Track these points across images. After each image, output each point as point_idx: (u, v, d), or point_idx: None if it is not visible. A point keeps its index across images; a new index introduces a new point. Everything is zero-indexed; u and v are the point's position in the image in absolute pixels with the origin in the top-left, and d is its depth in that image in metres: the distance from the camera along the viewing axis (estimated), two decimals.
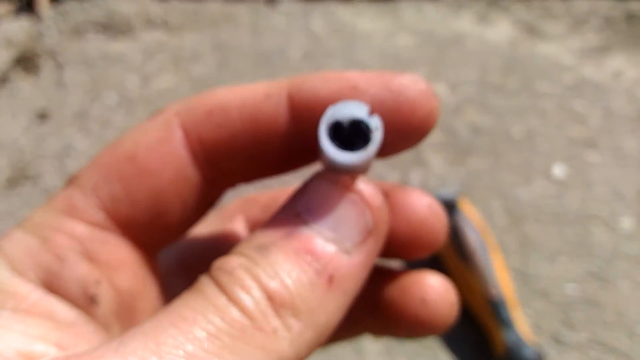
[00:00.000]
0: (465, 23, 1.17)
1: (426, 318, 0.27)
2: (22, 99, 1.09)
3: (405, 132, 0.23)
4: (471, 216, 0.80)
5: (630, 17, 1.14)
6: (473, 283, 0.75)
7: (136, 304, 0.25)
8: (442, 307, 0.27)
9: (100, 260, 0.24)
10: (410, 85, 0.23)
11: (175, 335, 0.18)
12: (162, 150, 0.24)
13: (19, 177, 0.97)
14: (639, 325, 0.75)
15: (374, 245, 0.22)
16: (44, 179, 0.97)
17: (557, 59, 1.08)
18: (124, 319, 0.25)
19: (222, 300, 0.19)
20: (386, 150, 0.24)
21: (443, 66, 1.08)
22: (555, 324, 0.76)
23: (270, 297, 0.19)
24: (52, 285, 0.23)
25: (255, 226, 0.32)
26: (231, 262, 0.20)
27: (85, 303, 0.23)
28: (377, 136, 0.20)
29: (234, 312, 0.19)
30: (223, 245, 0.30)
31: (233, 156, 0.24)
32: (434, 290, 0.27)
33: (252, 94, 0.24)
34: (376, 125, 0.21)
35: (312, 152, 0.24)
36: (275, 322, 0.19)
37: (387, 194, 0.25)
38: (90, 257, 0.24)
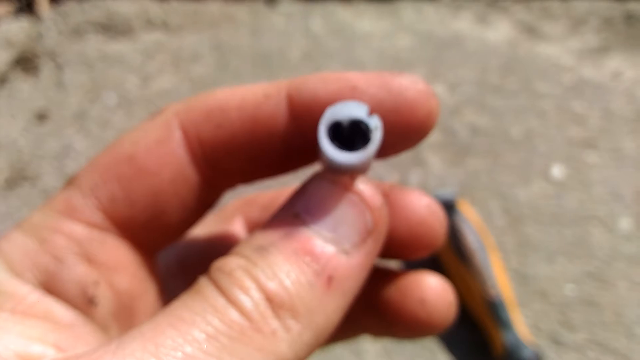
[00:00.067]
0: (464, 23, 1.17)
1: (425, 318, 0.27)
2: (22, 100, 1.09)
3: (404, 132, 0.23)
4: (470, 217, 0.80)
5: (629, 18, 1.14)
6: (472, 284, 0.75)
7: (135, 305, 0.25)
8: (440, 307, 0.27)
9: (98, 262, 0.24)
10: (410, 85, 0.23)
11: (174, 336, 0.18)
12: (161, 150, 0.24)
13: (18, 178, 0.97)
14: (637, 325, 0.75)
15: (374, 245, 0.22)
16: (43, 180, 0.97)
17: (556, 60, 1.08)
18: (123, 320, 0.25)
19: (221, 301, 0.19)
20: (386, 150, 0.24)
21: (442, 66, 1.08)
22: (553, 324, 0.76)
23: (269, 299, 0.19)
24: (50, 287, 0.23)
25: (254, 227, 0.32)
26: (230, 263, 0.20)
27: (84, 304, 0.23)
28: (376, 136, 0.20)
29: (233, 314, 0.19)
30: (222, 246, 0.30)
31: (232, 157, 0.24)
32: (433, 290, 0.28)
33: (251, 94, 0.24)
34: (376, 125, 0.21)
35: (312, 153, 0.25)
36: (274, 323, 0.19)
37: (386, 194, 0.25)
38: (88, 258, 0.24)
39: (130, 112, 1.05)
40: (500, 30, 1.15)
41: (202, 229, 0.32)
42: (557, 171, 0.91)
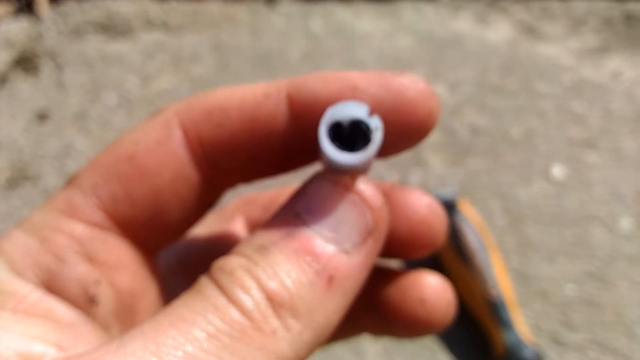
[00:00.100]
0: (464, 24, 1.17)
1: (424, 317, 0.27)
2: (22, 100, 1.09)
3: (405, 132, 0.23)
4: (470, 217, 0.80)
5: (629, 18, 1.14)
6: (472, 283, 0.75)
7: (136, 304, 0.25)
8: (439, 306, 0.27)
9: (99, 261, 0.24)
10: (410, 85, 0.23)
11: (175, 336, 0.18)
12: (161, 150, 0.24)
13: (19, 178, 0.97)
14: (637, 325, 0.75)
15: (374, 245, 0.22)
16: (43, 180, 0.97)
17: (556, 60, 1.08)
18: (124, 319, 0.25)
19: (221, 300, 0.19)
20: (386, 150, 0.24)
21: (442, 67, 1.08)
22: (554, 324, 0.76)
23: (270, 298, 0.19)
24: (51, 286, 0.23)
25: (255, 226, 0.32)
26: (231, 263, 0.20)
27: (85, 303, 0.23)
28: (377, 136, 0.20)
29: (234, 313, 0.19)
30: (223, 245, 0.30)
31: (232, 156, 0.24)
32: (432, 289, 0.28)
33: (251, 94, 0.24)
34: (376, 125, 0.21)
35: (312, 152, 0.24)
36: (274, 322, 0.19)
37: (386, 194, 0.25)
38: (89, 257, 0.24)
39: (131, 112, 1.05)
40: (500, 31, 1.15)
41: (203, 228, 0.32)
42: (558, 171, 0.91)
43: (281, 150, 0.24)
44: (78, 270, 0.23)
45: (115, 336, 0.24)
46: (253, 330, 0.19)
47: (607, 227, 0.85)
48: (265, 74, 1.09)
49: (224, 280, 0.20)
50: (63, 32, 1.21)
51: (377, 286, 0.28)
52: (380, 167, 0.92)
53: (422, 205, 0.26)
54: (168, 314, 0.19)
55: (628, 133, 0.96)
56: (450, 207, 0.80)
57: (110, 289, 0.24)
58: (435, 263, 0.81)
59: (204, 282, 0.20)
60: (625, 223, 0.85)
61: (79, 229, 0.24)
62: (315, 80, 0.23)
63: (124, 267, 0.25)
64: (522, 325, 0.73)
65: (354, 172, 0.22)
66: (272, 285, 0.19)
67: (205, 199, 0.26)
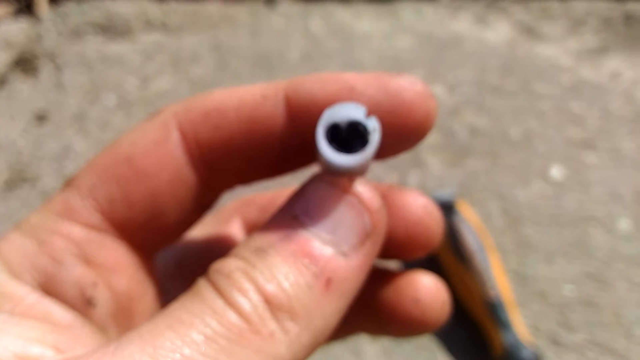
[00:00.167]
0: (463, 24, 1.17)
1: (419, 317, 0.27)
2: (21, 101, 1.09)
3: (403, 133, 0.23)
4: (469, 217, 0.80)
5: (628, 18, 1.15)
6: (471, 284, 0.75)
7: (133, 307, 0.25)
8: (434, 306, 0.27)
9: (97, 263, 0.24)
10: (408, 86, 0.23)
11: (173, 338, 0.18)
12: (159, 152, 0.24)
13: (17, 179, 0.97)
14: (636, 326, 0.75)
15: (372, 247, 0.22)
16: (42, 181, 0.97)
17: (555, 60, 1.08)
18: (121, 322, 0.25)
19: (219, 303, 0.19)
20: (384, 152, 0.24)
21: (441, 67, 1.08)
22: (552, 325, 0.76)
23: (268, 300, 0.19)
24: (49, 288, 0.23)
25: (252, 228, 0.32)
26: (229, 265, 0.20)
27: (82, 305, 0.23)
28: (374, 138, 0.20)
29: (232, 316, 0.19)
30: (220, 247, 0.30)
31: (230, 158, 0.24)
32: (427, 289, 0.28)
33: (249, 95, 0.24)
34: (374, 127, 0.20)
35: (310, 154, 0.24)
36: (272, 325, 0.19)
37: (383, 195, 0.25)
38: (87, 259, 0.24)
39: (130, 113, 1.05)
40: (499, 31, 1.15)
41: (200, 230, 0.32)
42: (556, 172, 0.91)
43: (279, 152, 0.24)
44: (75, 273, 0.23)
45: (112, 338, 0.24)
46: (251, 333, 0.19)
47: (606, 228, 0.85)
48: (265, 74, 1.09)
49: (222, 282, 0.20)
50: (62, 33, 1.21)
51: (372, 286, 0.28)
52: (379, 168, 0.92)
53: (418, 206, 0.26)
54: (166, 317, 0.19)
55: (627, 133, 0.96)
56: (448, 208, 0.80)
57: (107, 291, 0.24)
58: (433, 264, 0.81)
59: (202, 284, 0.20)
60: (624, 224, 0.85)
61: (76, 231, 0.24)
62: (313, 82, 0.23)
63: (121, 269, 0.25)
64: (521, 325, 0.73)
65: (351, 174, 0.22)
66: (270, 287, 0.19)
67: (203, 200, 0.26)
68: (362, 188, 0.22)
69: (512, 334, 0.71)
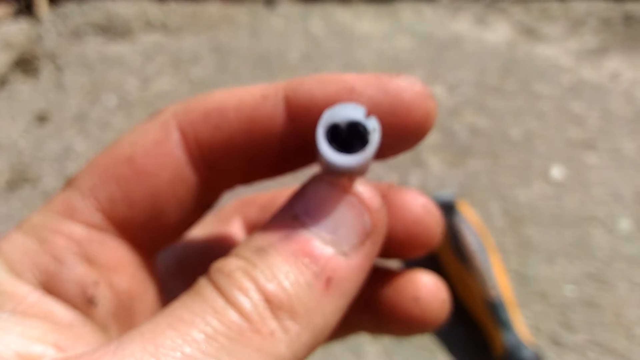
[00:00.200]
0: (463, 25, 1.17)
1: (418, 315, 0.28)
2: (22, 102, 1.09)
3: (402, 134, 0.23)
4: (470, 218, 0.80)
5: (627, 19, 1.15)
6: (472, 285, 0.75)
7: (134, 306, 0.25)
8: (434, 305, 0.28)
9: (98, 262, 0.24)
10: (407, 87, 0.23)
11: (173, 337, 0.18)
12: (159, 152, 0.24)
13: (19, 180, 0.97)
14: (637, 326, 0.75)
15: (372, 247, 0.22)
16: (43, 182, 0.97)
17: (555, 61, 1.08)
18: (122, 320, 0.25)
19: (220, 302, 0.19)
20: (384, 152, 0.24)
21: (441, 68, 1.08)
22: (553, 325, 0.76)
23: (268, 300, 0.19)
24: (50, 287, 0.23)
25: (253, 228, 0.32)
26: (229, 265, 0.20)
27: (84, 304, 0.23)
28: (374, 138, 0.20)
29: (232, 315, 0.19)
30: (221, 247, 0.30)
31: (230, 158, 0.24)
32: (426, 288, 0.28)
33: (249, 95, 0.24)
34: (373, 127, 0.21)
35: (310, 154, 0.25)
36: (272, 324, 0.19)
37: (383, 195, 0.25)
38: (88, 258, 0.24)
39: (130, 113, 1.05)
40: (499, 32, 1.15)
41: (201, 230, 0.32)
42: (557, 172, 0.91)
43: (279, 152, 0.24)
44: (76, 272, 0.23)
45: (113, 337, 0.24)
46: (251, 332, 0.19)
47: (607, 228, 0.85)
48: (265, 75, 1.09)
49: (223, 282, 0.20)
50: (63, 34, 1.21)
51: (372, 285, 0.28)
52: (380, 168, 0.92)
53: (417, 205, 0.27)
54: (167, 316, 0.19)
55: (627, 134, 0.96)
56: (449, 208, 0.80)
57: (108, 290, 0.24)
58: (434, 264, 0.81)
59: (203, 283, 0.20)
60: (625, 224, 0.85)
61: (78, 230, 0.24)
62: (313, 82, 0.23)
63: (122, 268, 0.25)
64: (522, 326, 0.73)
65: (351, 174, 0.22)
66: (270, 287, 0.19)
67: (203, 200, 0.26)
68: (362, 188, 0.22)
69: (513, 334, 0.71)
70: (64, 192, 0.24)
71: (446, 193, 0.84)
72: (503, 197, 0.89)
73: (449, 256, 0.79)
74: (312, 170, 0.24)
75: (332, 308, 0.21)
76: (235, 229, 0.32)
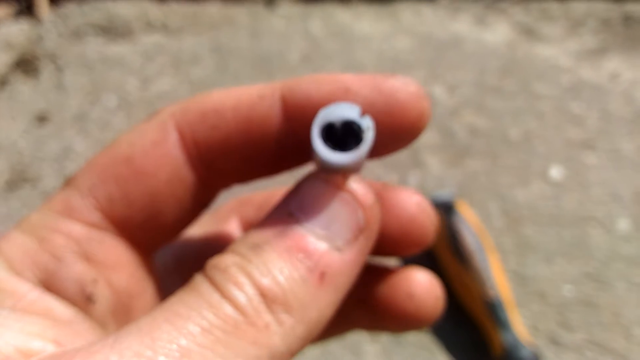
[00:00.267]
0: (463, 25, 1.17)
1: (413, 312, 0.28)
2: (22, 102, 1.10)
3: (396, 133, 0.23)
4: (468, 218, 0.80)
5: (627, 19, 1.15)
6: (470, 284, 0.75)
7: (132, 303, 0.25)
8: (428, 301, 0.28)
9: (97, 260, 0.24)
10: (402, 87, 0.23)
11: (170, 330, 0.18)
12: (157, 151, 0.24)
13: (19, 180, 0.98)
14: (635, 326, 0.75)
15: (366, 242, 0.23)
16: (43, 182, 0.97)
17: (554, 61, 1.09)
18: (121, 318, 0.25)
19: (215, 297, 0.19)
20: (378, 151, 0.24)
21: (441, 68, 1.09)
22: (552, 325, 0.76)
23: (263, 294, 0.20)
24: (49, 284, 0.23)
25: (250, 226, 0.32)
26: (225, 261, 0.21)
27: (83, 301, 0.24)
28: (368, 136, 0.21)
29: (227, 308, 0.19)
30: (218, 245, 0.31)
31: (227, 157, 0.25)
32: (421, 285, 0.28)
33: (246, 95, 0.24)
34: (368, 125, 0.21)
35: (306, 153, 0.25)
36: (267, 317, 0.19)
37: (377, 193, 0.26)
38: (87, 256, 0.24)
39: (130, 114, 1.05)
40: (498, 32, 1.15)
41: (199, 229, 0.32)
42: (556, 172, 0.92)
43: (275, 151, 0.25)
44: (75, 269, 0.24)
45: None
46: (246, 325, 0.19)
47: (605, 228, 0.85)
48: (265, 75, 1.09)
49: (218, 277, 0.20)
50: (63, 34, 1.22)
51: (368, 282, 0.29)
52: (379, 168, 0.92)
53: (411, 204, 0.27)
54: (163, 310, 0.19)
55: (626, 134, 0.96)
56: (448, 208, 0.80)
57: (107, 288, 0.24)
58: (433, 264, 0.81)
59: (199, 279, 0.20)
60: (623, 224, 0.85)
61: (77, 229, 0.24)
62: (309, 82, 0.24)
63: (121, 266, 0.25)
64: (520, 325, 0.73)
65: (346, 172, 0.22)
66: (265, 281, 0.20)
67: (201, 199, 0.26)
68: (355, 185, 0.22)
69: (512, 334, 0.71)
70: (63, 191, 0.25)
71: (445, 193, 0.84)
72: (502, 197, 0.89)
73: (448, 256, 0.79)
74: (308, 169, 0.24)
75: (326, 302, 0.21)
76: (233, 228, 0.32)
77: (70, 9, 1.26)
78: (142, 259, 0.26)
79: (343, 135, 0.21)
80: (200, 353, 0.18)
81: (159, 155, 0.24)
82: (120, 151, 0.24)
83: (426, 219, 0.27)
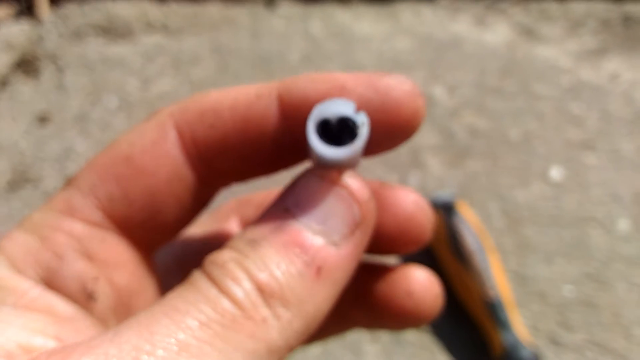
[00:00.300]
0: (463, 26, 1.18)
1: (412, 309, 0.28)
2: (23, 102, 1.10)
3: (391, 130, 0.24)
4: (469, 218, 0.80)
5: (627, 20, 1.15)
6: (471, 285, 0.75)
7: (133, 301, 0.26)
8: (427, 298, 0.28)
9: (98, 258, 0.24)
10: (396, 85, 0.23)
11: (168, 324, 0.18)
12: (156, 151, 0.24)
13: (20, 180, 0.98)
14: (635, 326, 0.76)
15: (362, 237, 0.23)
16: (44, 182, 0.97)
17: (554, 62, 1.09)
18: (122, 316, 0.25)
19: (213, 291, 0.20)
20: (374, 148, 0.24)
21: (441, 69, 1.09)
22: (552, 325, 0.76)
23: (260, 288, 0.20)
24: (51, 282, 0.24)
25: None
26: (222, 256, 0.21)
27: (84, 299, 0.24)
28: (363, 132, 0.21)
29: (225, 303, 0.19)
30: (218, 244, 0.31)
31: (226, 156, 0.25)
32: (420, 283, 0.29)
33: (243, 94, 0.25)
34: (362, 121, 0.21)
35: (303, 151, 0.25)
36: (264, 311, 0.20)
37: (375, 192, 0.26)
38: (88, 255, 0.24)
39: (131, 114, 1.05)
40: (498, 33, 1.16)
41: (199, 229, 0.32)
42: (556, 173, 0.92)
43: (273, 150, 0.25)
44: (77, 267, 0.24)
45: None
46: (244, 319, 0.19)
47: (605, 229, 0.85)
48: (265, 76, 1.09)
49: (216, 272, 0.20)
50: (63, 35, 1.22)
51: (367, 281, 0.29)
52: (379, 169, 0.93)
53: (409, 202, 0.27)
54: (162, 305, 0.19)
55: (626, 134, 0.96)
56: (448, 208, 0.80)
57: (108, 286, 0.25)
58: (433, 264, 0.81)
59: (197, 275, 0.21)
60: (623, 224, 0.85)
61: (78, 227, 0.24)
62: (305, 81, 0.24)
63: (121, 264, 0.25)
64: (520, 325, 0.73)
65: (341, 167, 0.22)
66: (262, 276, 0.20)
67: (200, 198, 0.26)
68: (350, 180, 0.22)
69: (512, 334, 0.71)
70: (64, 191, 0.25)
71: (445, 193, 0.84)
72: (502, 197, 0.89)
73: (448, 256, 0.79)
74: (306, 167, 0.24)
75: (323, 296, 0.21)
76: (232, 228, 0.32)
77: (70, 10, 1.26)
78: (143, 257, 0.26)
79: (338, 132, 0.21)
80: (198, 347, 0.18)
81: (158, 154, 0.24)
82: (120, 151, 0.25)
83: (423, 217, 0.27)
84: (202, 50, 1.16)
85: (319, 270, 0.21)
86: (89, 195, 0.24)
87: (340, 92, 0.23)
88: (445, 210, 0.80)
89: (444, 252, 0.80)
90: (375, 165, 0.92)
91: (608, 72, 1.06)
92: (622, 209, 0.87)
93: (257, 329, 0.19)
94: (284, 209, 0.22)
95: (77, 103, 1.08)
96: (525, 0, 1.21)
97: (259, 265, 0.20)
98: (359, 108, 0.23)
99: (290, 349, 0.21)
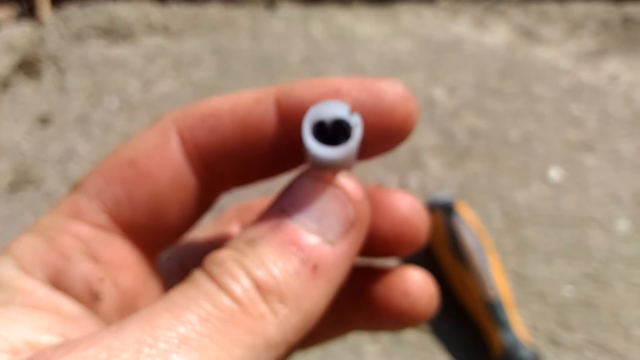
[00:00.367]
0: (462, 27, 1.18)
1: (408, 309, 0.29)
2: (24, 104, 1.10)
3: (385, 132, 0.24)
4: (468, 219, 0.81)
5: (626, 21, 1.15)
6: (470, 285, 0.76)
7: (137, 302, 0.26)
8: (423, 299, 0.29)
9: (103, 260, 0.25)
10: (389, 89, 0.24)
11: (170, 319, 0.19)
12: (160, 155, 0.25)
13: (21, 182, 0.98)
14: (634, 326, 0.76)
15: (357, 236, 0.24)
16: (46, 184, 0.98)
17: (554, 63, 1.09)
18: (126, 316, 0.26)
19: (212, 288, 0.20)
20: (369, 151, 0.25)
21: (441, 70, 1.09)
22: (551, 325, 0.77)
23: (258, 285, 0.21)
24: (58, 283, 0.24)
25: None
26: (222, 255, 0.22)
27: (89, 299, 0.24)
28: (357, 132, 0.22)
29: (224, 299, 0.20)
30: (218, 246, 0.32)
31: (226, 160, 0.26)
32: (415, 283, 0.29)
33: (242, 99, 0.25)
34: (356, 122, 0.22)
35: (301, 155, 0.26)
36: (262, 307, 0.20)
37: (371, 195, 0.27)
38: (94, 256, 0.25)
39: (132, 116, 1.06)
40: (498, 34, 1.16)
41: (202, 234, 0.33)
42: (555, 173, 0.92)
43: (272, 154, 0.26)
44: (83, 268, 0.24)
45: None
46: (242, 314, 0.20)
47: (605, 229, 0.85)
48: (266, 78, 1.10)
49: (215, 270, 0.21)
50: (65, 37, 1.22)
51: (364, 283, 0.30)
52: (379, 170, 0.93)
53: (404, 205, 0.28)
54: (164, 301, 0.20)
55: (625, 135, 0.97)
56: (448, 209, 0.81)
57: (113, 287, 0.25)
58: (433, 265, 0.81)
59: (197, 273, 0.22)
60: (623, 225, 0.85)
61: (84, 230, 0.25)
62: (302, 86, 0.25)
63: (126, 266, 0.26)
64: (520, 326, 0.73)
65: (335, 167, 0.23)
66: (260, 273, 0.21)
67: (202, 202, 0.27)
68: (345, 180, 0.23)
69: (511, 334, 0.71)
70: (71, 195, 0.26)
71: (445, 194, 0.84)
72: (502, 198, 0.89)
73: (448, 257, 0.79)
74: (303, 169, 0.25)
75: (319, 293, 0.22)
76: (233, 232, 0.33)
77: (71, 11, 1.27)
78: (147, 259, 0.27)
79: (333, 133, 0.22)
80: (198, 340, 0.19)
81: (161, 158, 0.25)
82: (124, 155, 0.25)
83: (419, 220, 0.28)
84: (203, 52, 1.16)
85: (315, 268, 0.22)
86: (95, 199, 0.25)
87: (335, 95, 0.24)
88: (444, 210, 0.81)
89: (444, 252, 0.80)
90: (375, 166, 0.93)
91: (607, 73, 1.06)
92: (621, 209, 0.87)
93: (255, 324, 0.20)
94: (280, 209, 0.23)
95: (78, 104, 1.09)
96: (525, 1, 1.21)
97: (256, 263, 0.21)
98: (353, 110, 0.23)
99: (288, 344, 0.21)
